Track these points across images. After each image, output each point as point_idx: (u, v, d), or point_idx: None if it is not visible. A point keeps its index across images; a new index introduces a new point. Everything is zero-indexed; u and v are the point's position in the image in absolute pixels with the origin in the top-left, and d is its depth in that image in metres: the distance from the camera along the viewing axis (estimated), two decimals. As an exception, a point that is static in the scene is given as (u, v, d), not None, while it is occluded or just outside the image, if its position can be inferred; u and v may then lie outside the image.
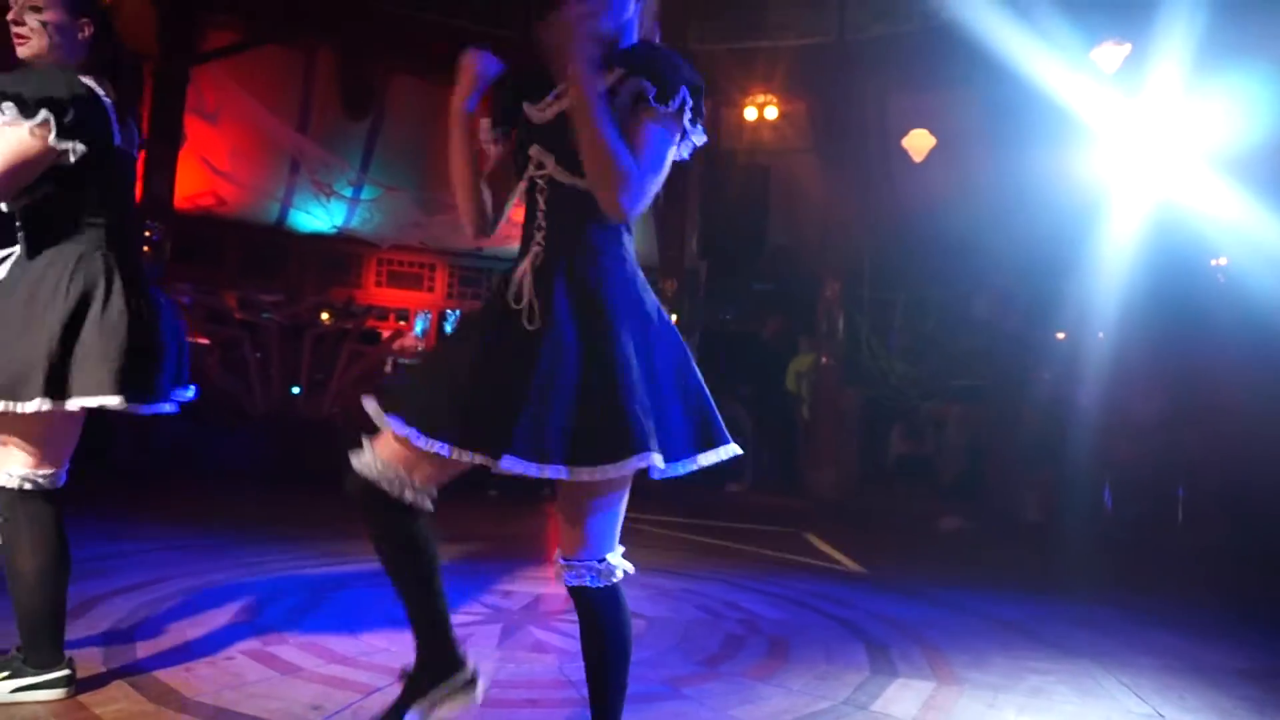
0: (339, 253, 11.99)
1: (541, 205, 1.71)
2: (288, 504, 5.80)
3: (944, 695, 2.68)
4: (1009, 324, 8.09)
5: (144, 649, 2.61)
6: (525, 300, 1.64)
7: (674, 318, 8.78)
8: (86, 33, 2.19)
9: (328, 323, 8.54)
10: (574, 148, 1.63)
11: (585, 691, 2.51)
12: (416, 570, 1.78)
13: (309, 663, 2.61)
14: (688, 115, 1.65)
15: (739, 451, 1.69)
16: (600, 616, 1.73)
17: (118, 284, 2.15)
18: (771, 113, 8.93)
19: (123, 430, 6.17)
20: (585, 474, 1.57)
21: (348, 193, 10.70)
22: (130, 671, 2.42)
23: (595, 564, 1.71)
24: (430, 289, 12.77)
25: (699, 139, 1.72)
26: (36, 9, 2.13)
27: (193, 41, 7.96)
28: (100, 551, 3.80)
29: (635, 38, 1.76)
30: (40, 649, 2.17)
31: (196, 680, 2.39)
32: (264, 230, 11.25)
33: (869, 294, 9.58)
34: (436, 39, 8.82)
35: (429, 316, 12.69)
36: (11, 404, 2.03)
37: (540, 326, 1.61)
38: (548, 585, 3.96)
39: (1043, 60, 6.53)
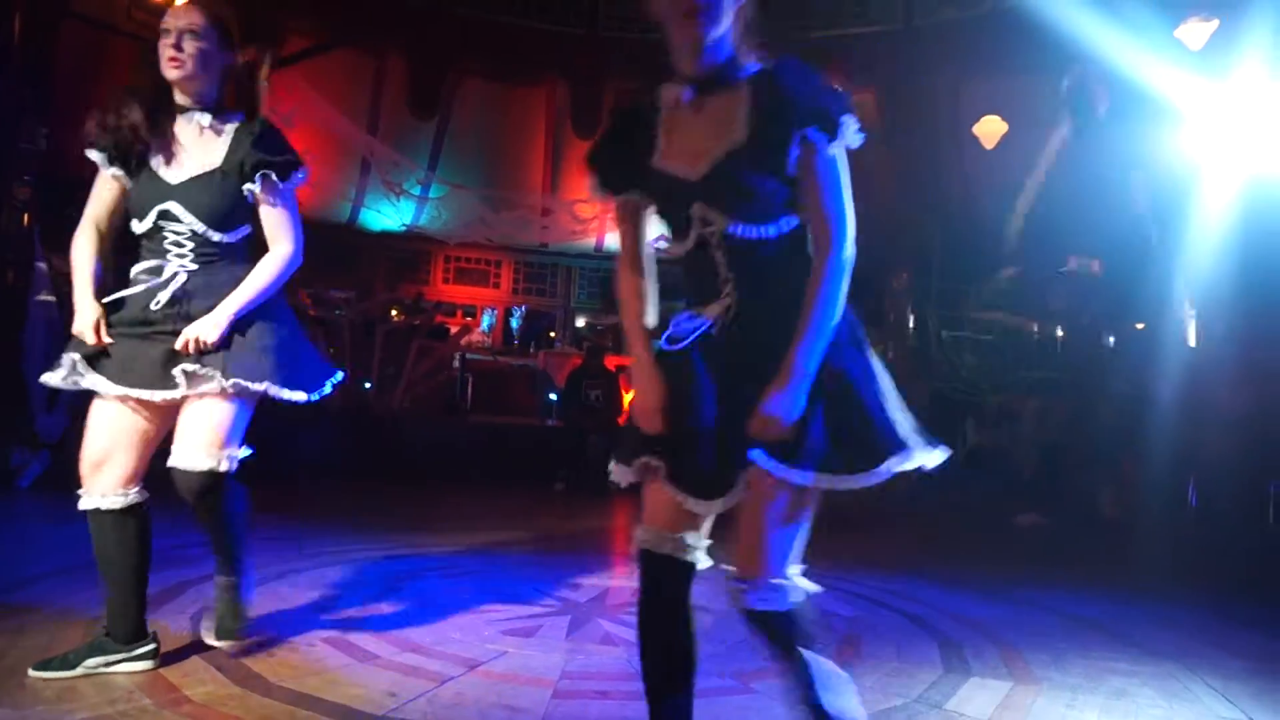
0: (408, 250, 12.25)
1: None
2: (363, 496, 5.96)
3: (1020, 695, 2.62)
4: (1086, 314, 7.83)
5: (230, 634, 2.71)
6: None
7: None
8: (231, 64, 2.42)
9: (398, 319, 8.73)
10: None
11: (654, 684, 2.54)
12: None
13: (385, 651, 2.68)
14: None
15: None
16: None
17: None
18: (837, 102, 8.78)
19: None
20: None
21: (416, 191, 10.91)
22: (216, 655, 2.51)
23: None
24: (496, 285, 12.95)
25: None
26: (195, 34, 2.31)
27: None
28: (188, 540, 3.95)
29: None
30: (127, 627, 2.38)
31: (279, 665, 2.48)
32: (336, 229, 11.55)
33: (938, 285, 9.39)
34: (504, 41, 8.93)
35: (495, 312, 12.87)
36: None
37: None
38: (615, 578, 3.99)
39: (1123, 39, 6.28)
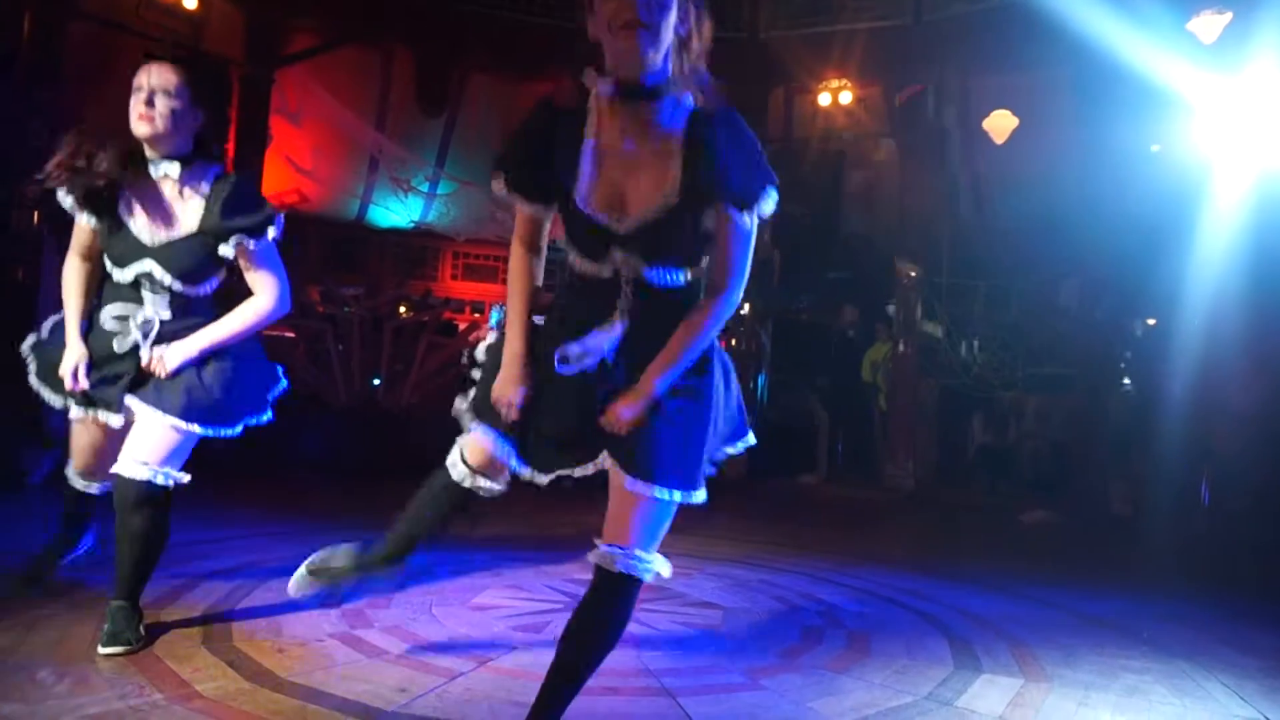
0: (416, 247, 12.26)
1: None
2: (371, 493, 5.95)
3: (1032, 692, 2.60)
4: (1098, 311, 7.79)
5: (239, 630, 2.73)
6: None
7: (747, 308, 8.66)
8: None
9: (406, 315, 8.73)
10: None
11: (666, 681, 2.54)
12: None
13: (394, 647, 2.68)
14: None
15: None
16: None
17: None
18: (846, 98, 8.76)
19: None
20: None
21: (424, 188, 10.93)
22: (227, 651, 2.53)
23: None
24: (505, 281, 12.95)
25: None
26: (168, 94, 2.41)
27: (276, 45, 8.23)
28: (198, 537, 3.98)
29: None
30: None
31: (289, 661, 2.48)
32: (345, 225, 11.59)
33: (947, 281, 9.36)
34: (511, 36, 8.92)
35: (504, 308, 12.88)
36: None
37: None
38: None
39: (1134, 33, 6.23)
